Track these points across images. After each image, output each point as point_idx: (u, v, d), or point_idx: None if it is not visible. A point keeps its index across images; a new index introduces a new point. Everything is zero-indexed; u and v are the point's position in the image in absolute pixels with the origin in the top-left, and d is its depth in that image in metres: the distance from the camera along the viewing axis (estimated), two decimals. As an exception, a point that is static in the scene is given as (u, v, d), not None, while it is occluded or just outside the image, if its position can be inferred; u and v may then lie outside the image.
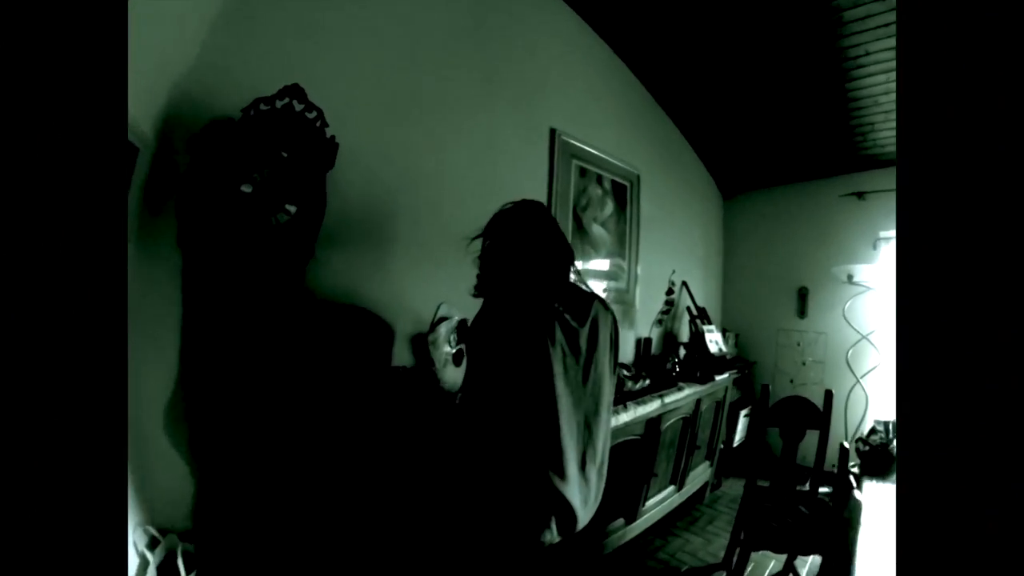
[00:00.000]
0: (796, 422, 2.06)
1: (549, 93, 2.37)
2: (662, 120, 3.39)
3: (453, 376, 1.67)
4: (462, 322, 1.64)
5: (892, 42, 2.35)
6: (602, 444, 1.13)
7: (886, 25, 2.26)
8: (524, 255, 1.15)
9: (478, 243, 1.23)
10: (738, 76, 2.85)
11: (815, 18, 2.32)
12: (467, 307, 2.05)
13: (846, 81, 2.63)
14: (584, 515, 1.06)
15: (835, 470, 2.27)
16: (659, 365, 2.93)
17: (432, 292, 1.84)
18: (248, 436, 1.28)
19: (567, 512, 1.01)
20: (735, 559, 2.09)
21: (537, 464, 1.00)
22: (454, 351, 1.64)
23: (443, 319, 1.70)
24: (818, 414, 2.11)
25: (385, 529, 1.33)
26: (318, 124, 1.36)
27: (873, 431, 2.05)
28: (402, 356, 1.77)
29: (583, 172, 2.55)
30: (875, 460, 1.93)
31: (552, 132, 2.33)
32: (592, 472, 1.07)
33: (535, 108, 2.30)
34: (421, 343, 1.76)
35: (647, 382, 2.54)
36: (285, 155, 1.30)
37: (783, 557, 2.18)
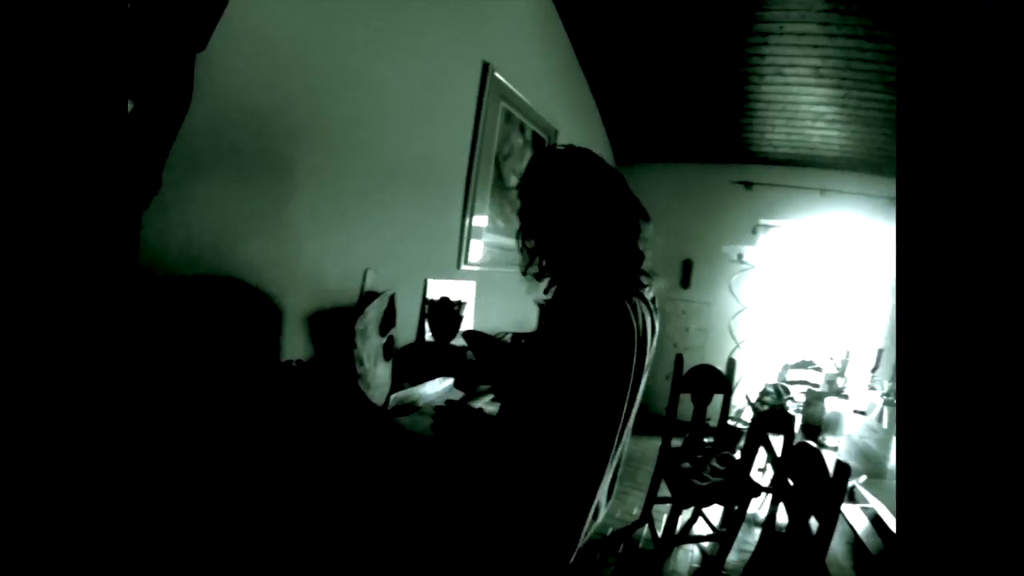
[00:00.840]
0: (705, 387, 2.26)
1: (485, 23, 2.02)
2: (580, 80, 3.26)
3: (383, 377, 1.32)
4: (473, 333, 1.18)
5: (791, 51, 2.59)
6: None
7: (793, 34, 2.47)
8: (617, 220, 0.87)
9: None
10: (656, 55, 2.91)
11: (729, 22, 2.47)
12: (396, 274, 1.71)
13: (746, 84, 2.88)
14: (604, 511, 0.93)
15: (739, 425, 2.58)
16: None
17: (341, 253, 1.45)
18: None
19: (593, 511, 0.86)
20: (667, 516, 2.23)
21: (585, 474, 0.82)
22: (384, 341, 1.31)
23: (371, 295, 1.34)
24: (723, 379, 2.34)
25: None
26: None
27: (765, 392, 2.35)
28: (294, 345, 1.33)
29: (508, 117, 2.28)
30: (774, 420, 2.21)
31: (485, 66, 2.01)
32: (613, 466, 0.91)
33: (471, 36, 1.93)
34: (322, 324, 1.37)
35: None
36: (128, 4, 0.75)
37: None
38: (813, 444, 1.62)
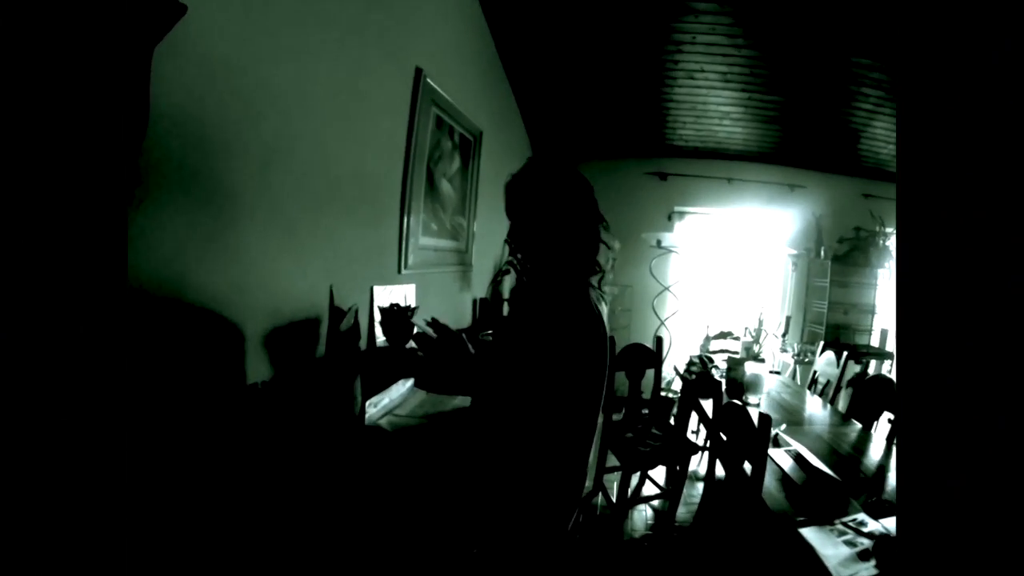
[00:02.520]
0: (638, 364, 2.45)
1: (416, 29, 2.04)
2: (504, 82, 3.35)
3: (357, 389, 1.33)
4: (423, 336, 1.23)
5: (702, 59, 2.91)
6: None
7: (704, 43, 2.77)
8: (580, 224, 1.02)
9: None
10: (578, 61, 3.11)
11: (648, 32, 2.72)
12: (346, 284, 1.70)
13: (662, 86, 3.17)
14: (591, 481, 1.04)
15: (670, 395, 2.80)
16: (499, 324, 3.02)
17: (293, 270, 1.43)
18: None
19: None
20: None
21: (573, 456, 0.92)
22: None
23: (339, 311, 1.34)
24: (653, 355, 2.55)
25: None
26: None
27: (691, 363, 2.60)
28: (255, 367, 1.28)
29: (439, 123, 2.32)
30: (702, 386, 2.44)
31: (418, 72, 2.03)
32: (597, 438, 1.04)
33: (404, 40, 1.94)
34: (280, 343, 1.35)
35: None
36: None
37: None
38: (738, 402, 1.84)
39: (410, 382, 1.70)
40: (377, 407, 1.50)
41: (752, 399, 2.39)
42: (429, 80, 2.08)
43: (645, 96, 3.35)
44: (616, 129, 3.87)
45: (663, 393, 3.33)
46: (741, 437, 1.63)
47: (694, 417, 2.97)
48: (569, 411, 0.91)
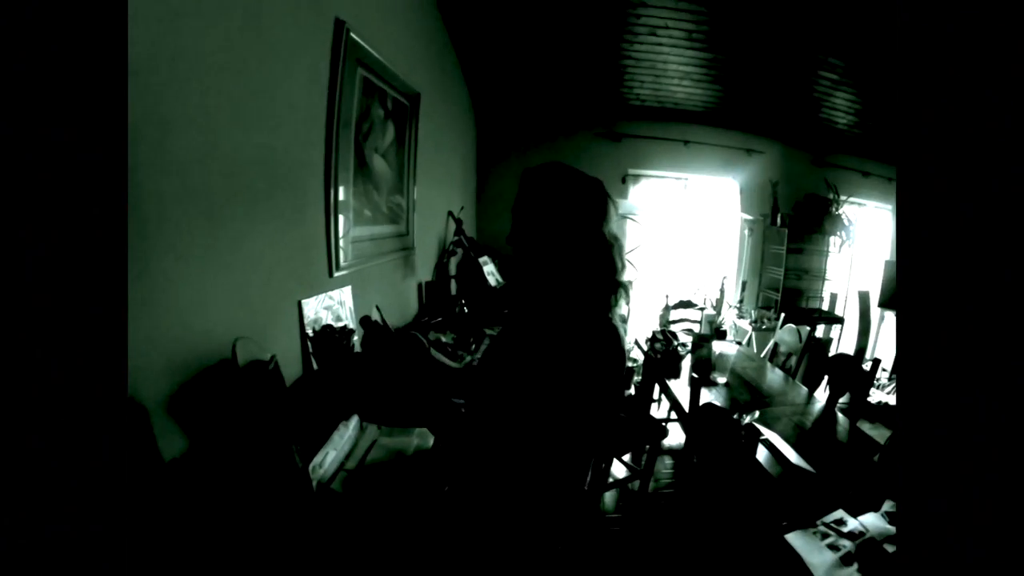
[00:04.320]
0: None
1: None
2: (441, 31, 2.90)
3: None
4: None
5: (667, 14, 2.64)
6: None
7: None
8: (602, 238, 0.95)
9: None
10: (527, 11, 2.79)
11: None
12: (265, 308, 1.38)
13: (621, 42, 2.91)
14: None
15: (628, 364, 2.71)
16: (450, 309, 2.76)
17: (191, 305, 1.09)
18: None
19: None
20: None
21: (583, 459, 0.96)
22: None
23: (256, 365, 1.02)
24: None
25: None
26: None
27: (655, 339, 2.49)
28: (167, 440, 1.00)
29: (368, 87, 1.90)
30: (668, 363, 2.36)
31: (339, 25, 1.59)
32: None
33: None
34: (187, 402, 1.03)
35: (453, 336, 2.34)
36: None
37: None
38: (717, 403, 1.76)
39: (353, 421, 1.43)
40: (324, 466, 1.23)
41: (720, 379, 2.35)
42: (353, 35, 1.66)
43: (603, 52, 3.06)
44: (568, 87, 3.56)
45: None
46: (724, 449, 1.56)
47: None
48: (579, 440, 0.90)
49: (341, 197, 1.75)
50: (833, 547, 1.27)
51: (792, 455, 1.67)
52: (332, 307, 1.78)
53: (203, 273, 1.12)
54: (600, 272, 0.94)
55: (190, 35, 1.01)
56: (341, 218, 1.76)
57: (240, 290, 1.26)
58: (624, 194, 4.02)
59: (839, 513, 1.38)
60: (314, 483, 1.16)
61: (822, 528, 1.33)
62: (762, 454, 1.71)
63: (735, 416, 1.92)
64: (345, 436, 1.38)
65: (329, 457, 1.27)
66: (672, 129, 3.92)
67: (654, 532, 2.22)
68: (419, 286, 2.88)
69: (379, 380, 1.20)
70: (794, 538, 1.31)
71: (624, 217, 3.67)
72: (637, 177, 4.00)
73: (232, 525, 0.92)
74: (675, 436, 3.01)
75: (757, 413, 2.00)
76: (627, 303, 1.01)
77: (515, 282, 1.06)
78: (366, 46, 1.77)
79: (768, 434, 1.81)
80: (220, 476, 0.99)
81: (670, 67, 3.12)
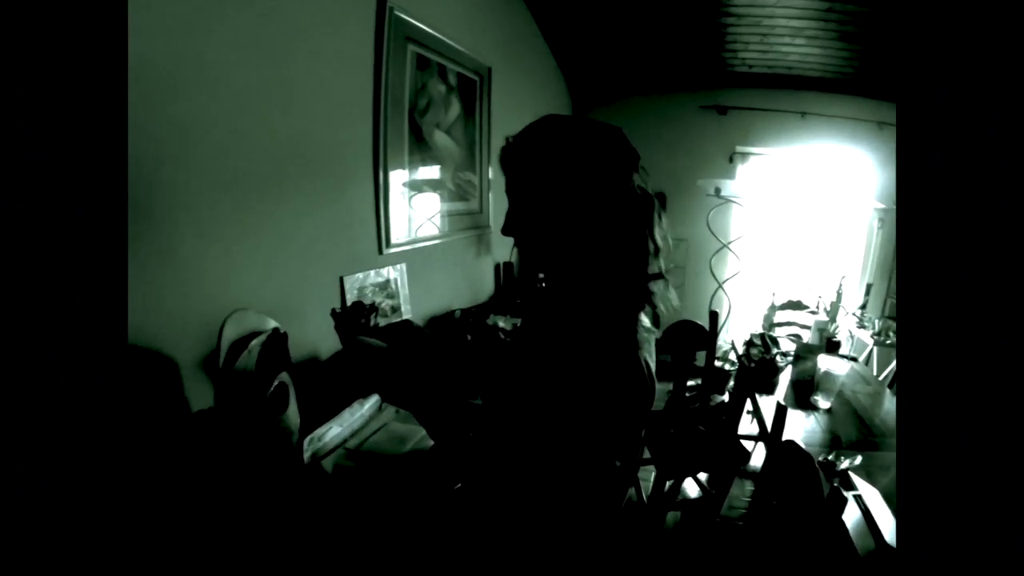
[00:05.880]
0: (686, 347, 2.05)
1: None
2: (520, 10, 2.76)
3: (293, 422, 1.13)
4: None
5: None
6: None
7: None
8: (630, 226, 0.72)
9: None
10: None
11: None
12: (303, 283, 1.44)
13: None
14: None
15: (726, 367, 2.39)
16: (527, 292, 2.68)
17: (231, 278, 1.22)
18: None
19: None
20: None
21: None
22: (272, 389, 1.07)
23: (254, 336, 1.08)
24: (705, 335, 2.12)
25: None
26: None
27: (752, 343, 2.13)
28: (199, 394, 1.16)
29: (422, 62, 1.87)
30: (763, 375, 2.01)
31: (382, 4, 1.58)
32: None
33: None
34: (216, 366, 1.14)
35: (513, 322, 2.26)
36: None
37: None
38: (811, 432, 1.41)
39: (371, 400, 1.45)
40: (323, 440, 1.27)
41: (822, 403, 1.91)
42: (399, 12, 1.62)
43: (697, 10, 2.59)
44: (664, 53, 3.13)
45: (718, 363, 2.87)
46: (800, 504, 1.26)
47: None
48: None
49: (391, 172, 1.76)
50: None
51: (889, 529, 1.24)
52: (382, 284, 1.82)
53: (228, 253, 1.21)
54: (632, 253, 0.72)
55: (224, 42, 1.11)
56: (390, 195, 1.77)
57: (269, 268, 1.34)
58: (732, 174, 3.46)
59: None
60: (307, 455, 1.21)
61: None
62: (852, 516, 1.31)
63: (828, 458, 1.53)
64: (357, 414, 1.41)
65: (331, 432, 1.31)
66: (786, 99, 3.24)
67: (706, 564, 1.93)
68: (496, 267, 2.84)
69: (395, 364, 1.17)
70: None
71: (725, 200, 3.15)
72: (745, 155, 3.39)
73: (215, 486, 1.00)
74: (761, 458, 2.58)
75: (859, 458, 1.55)
76: (670, 299, 0.76)
77: (525, 275, 0.85)
78: (415, 22, 1.73)
79: (865, 490, 1.39)
80: (214, 437, 1.07)
81: (777, 23, 2.51)
